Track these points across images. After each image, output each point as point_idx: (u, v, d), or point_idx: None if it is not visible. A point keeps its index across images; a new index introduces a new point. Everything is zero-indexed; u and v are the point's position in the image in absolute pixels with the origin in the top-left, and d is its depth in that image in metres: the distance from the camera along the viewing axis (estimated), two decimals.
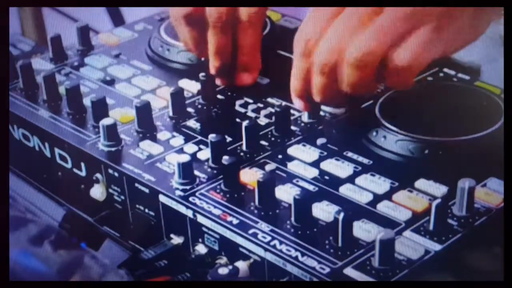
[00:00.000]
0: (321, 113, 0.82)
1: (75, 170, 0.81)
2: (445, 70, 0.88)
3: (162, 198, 0.73)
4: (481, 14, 0.76)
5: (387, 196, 0.71)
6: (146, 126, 0.81)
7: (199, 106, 0.85)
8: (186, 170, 0.73)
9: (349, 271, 0.64)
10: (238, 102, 0.86)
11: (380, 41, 0.73)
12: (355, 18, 0.74)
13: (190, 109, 0.85)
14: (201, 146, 0.79)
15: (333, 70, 0.74)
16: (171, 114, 0.84)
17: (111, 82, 0.90)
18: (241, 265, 0.68)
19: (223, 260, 0.70)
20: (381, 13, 0.73)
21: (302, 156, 0.77)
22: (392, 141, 0.76)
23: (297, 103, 0.80)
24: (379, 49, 0.73)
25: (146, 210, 0.76)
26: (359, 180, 0.73)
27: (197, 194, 0.73)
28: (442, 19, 0.73)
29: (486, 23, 0.77)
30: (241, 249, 0.68)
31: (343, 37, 0.74)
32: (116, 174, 0.77)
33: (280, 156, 0.77)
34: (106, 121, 0.79)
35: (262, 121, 0.82)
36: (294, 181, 0.74)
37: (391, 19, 0.73)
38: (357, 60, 0.73)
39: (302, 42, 0.76)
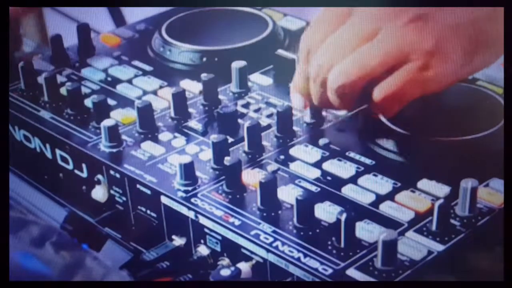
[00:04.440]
0: (323, 113, 0.82)
1: (77, 172, 0.81)
2: None
3: (163, 199, 0.73)
4: (475, 56, 0.72)
5: (390, 196, 0.71)
6: (148, 127, 0.81)
7: (201, 107, 0.85)
8: (187, 171, 0.73)
9: (352, 272, 0.63)
10: (240, 103, 0.85)
11: (362, 71, 0.72)
12: (351, 34, 0.73)
13: (191, 110, 0.84)
14: (203, 147, 0.79)
15: (324, 82, 0.75)
16: (172, 114, 0.83)
17: (112, 83, 0.90)
18: (243, 266, 0.68)
19: (225, 261, 0.70)
20: (378, 33, 0.72)
21: (304, 157, 0.76)
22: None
23: (295, 99, 0.80)
24: (359, 79, 0.72)
25: (148, 212, 0.76)
26: (361, 181, 0.73)
27: (199, 195, 0.72)
28: (431, 58, 0.71)
29: (480, 64, 0.73)
30: (243, 250, 0.68)
31: (335, 53, 0.73)
32: (117, 175, 0.77)
33: (282, 157, 0.77)
34: (107, 122, 0.79)
35: (264, 121, 0.82)
36: (296, 181, 0.73)
37: (383, 47, 0.71)
38: (335, 89, 0.73)
39: (304, 49, 0.77)
